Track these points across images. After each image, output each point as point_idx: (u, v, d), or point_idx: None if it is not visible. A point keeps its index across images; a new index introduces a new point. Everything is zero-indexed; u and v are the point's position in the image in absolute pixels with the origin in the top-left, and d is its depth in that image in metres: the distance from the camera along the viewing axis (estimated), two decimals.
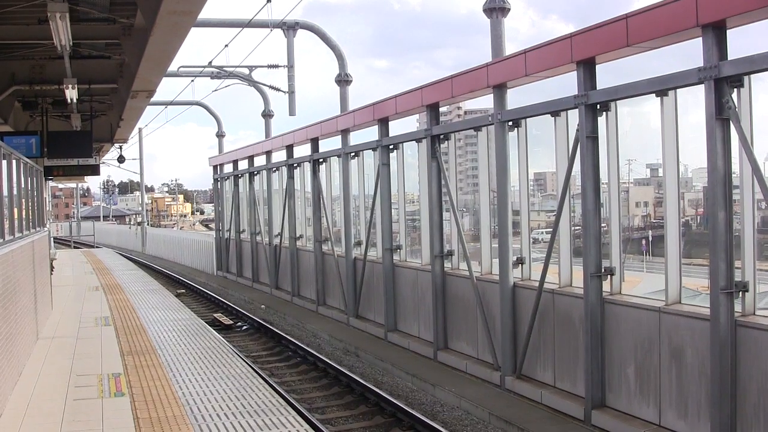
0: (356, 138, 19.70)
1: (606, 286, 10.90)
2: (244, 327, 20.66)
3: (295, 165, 24.22)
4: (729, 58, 8.65)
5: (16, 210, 11.76)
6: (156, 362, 11.51)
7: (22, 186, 12.69)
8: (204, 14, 11.14)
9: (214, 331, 14.75)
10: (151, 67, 13.70)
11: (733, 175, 8.97)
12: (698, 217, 19.74)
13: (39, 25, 12.58)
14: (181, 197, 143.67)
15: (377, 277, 18.22)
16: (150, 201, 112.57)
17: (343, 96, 21.77)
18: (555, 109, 11.68)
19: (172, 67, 16.35)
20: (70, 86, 14.30)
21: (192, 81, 28.93)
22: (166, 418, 8.52)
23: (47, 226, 19.94)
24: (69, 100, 16.04)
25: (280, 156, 25.94)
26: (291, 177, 24.38)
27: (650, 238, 21.25)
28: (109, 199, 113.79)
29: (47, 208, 24.26)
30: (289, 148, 24.56)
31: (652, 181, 21.71)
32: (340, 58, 21.77)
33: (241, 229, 31.45)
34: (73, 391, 9.89)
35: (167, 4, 9.62)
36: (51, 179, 23.66)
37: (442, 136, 15.06)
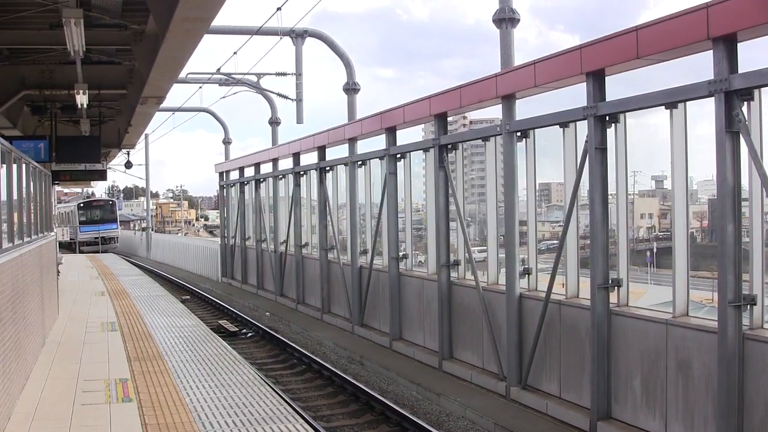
0: (363, 146, 19.76)
1: (613, 297, 10.90)
2: (249, 334, 20.67)
3: (301, 173, 24.25)
4: (739, 71, 8.67)
5: (24, 214, 11.79)
6: (163, 368, 11.53)
7: (31, 190, 12.73)
8: (214, 21, 11.19)
9: (219, 338, 14.78)
10: (162, 74, 13.78)
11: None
12: (703, 230, 19.78)
13: (50, 30, 12.67)
14: (185, 203, 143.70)
15: (383, 286, 18.23)
16: (154, 207, 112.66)
17: (351, 104, 21.84)
18: (564, 120, 11.70)
19: (181, 73, 16.41)
20: (80, 91, 14.39)
21: (200, 88, 29.07)
22: (174, 424, 8.54)
23: (54, 230, 19.99)
24: (79, 105, 16.12)
25: (286, 163, 26.00)
26: (297, 185, 24.42)
27: (655, 250, 21.27)
28: None
29: (54, 213, 24.31)
30: (296, 156, 24.60)
31: (657, 193, 21.75)
32: (348, 66, 21.85)
33: (246, 236, 31.48)
34: (81, 396, 9.91)
35: (181, 10, 9.68)
36: (58, 183, 23.73)
37: (450, 146, 15.09)
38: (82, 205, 61.12)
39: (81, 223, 58.98)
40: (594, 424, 10.77)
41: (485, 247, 15.05)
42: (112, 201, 65.76)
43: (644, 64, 10.16)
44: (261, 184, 29.10)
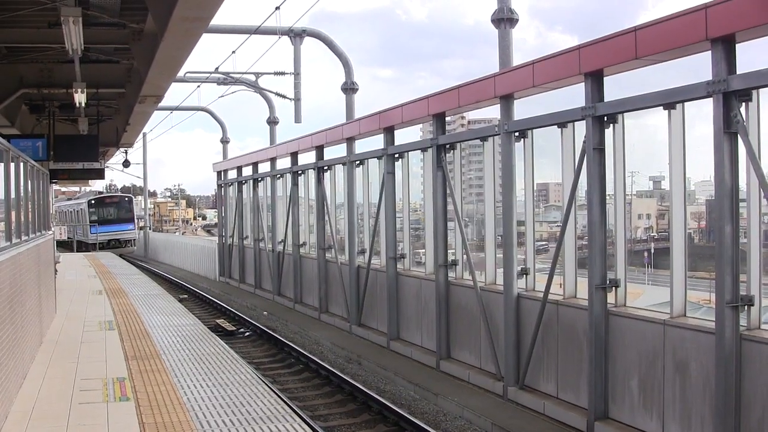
0: (361, 146, 19.77)
1: (611, 297, 10.91)
2: (247, 333, 20.67)
3: (299, 172, 24.25)
4: (738, 72, 8.68)
5: (22, 213, 11.78)
6: (160, 367, 11.52)
7: (29, 189, 12.72)
8: (213, 20, 11.19)
9: (217, 337, 14.77)
10: (160, 72, 13.78)
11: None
12: (700, 231, 19.78)
13: (49, 29, 12.67)
14: (183, 202, 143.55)
15: (380, 286, 18.23)
16: (152, 206, 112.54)
17: (349, 104, 21.85)
18: (562, 120, 11.71)
19: (179, 72, 16.41)
20: (79, 90, 14.37)
21: (198, 87, 29.09)
22: (171, 423, 8.53)
23: (52, 229, 19.97)
24: (77, 104, 16.11)
25: (284, 163, 25.98)
26: (295, 184, 24.42)
27: (652, 250, 21.27)
28: None
29: (51, 212, 24.30)
30: (294, 155, 24.59)
31: (655, 194, 21.77)
32: (346, 66, 21.86)
33: (244, 236, 31.48)
34: (78, 395, 9.90)
35: (180, 10, 9.69)
36: (56, 182, 23.72)
37: (448, 146, 15.09)
38: (93, 202, 53.66)
39: (92, 222, 52.07)
40: (591, 425, 10.78)
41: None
42: (128, 197, 57.04)
43: (643, 65, 10.17)
44: (259, 184, 29.09)
